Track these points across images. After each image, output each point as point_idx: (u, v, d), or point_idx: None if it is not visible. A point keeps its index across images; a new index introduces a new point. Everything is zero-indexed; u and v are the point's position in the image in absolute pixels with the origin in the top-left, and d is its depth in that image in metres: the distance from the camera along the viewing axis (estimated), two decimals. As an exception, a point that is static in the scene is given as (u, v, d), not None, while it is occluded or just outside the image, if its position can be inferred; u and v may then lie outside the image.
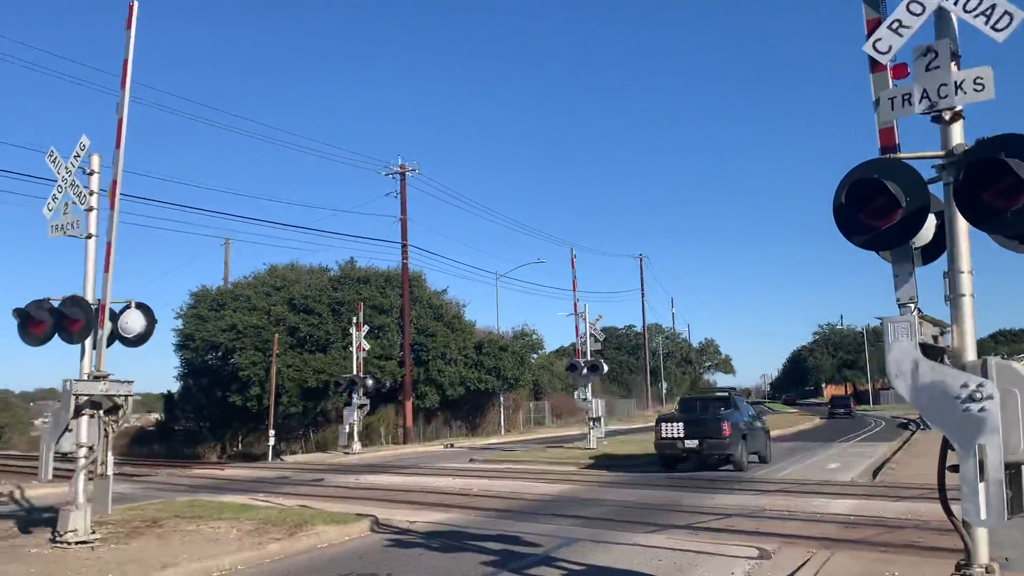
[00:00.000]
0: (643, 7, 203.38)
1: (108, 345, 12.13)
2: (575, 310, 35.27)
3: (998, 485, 5.56)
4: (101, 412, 11.78)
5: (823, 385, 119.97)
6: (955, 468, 5.83)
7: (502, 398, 55.85)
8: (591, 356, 33.46)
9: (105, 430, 11.86)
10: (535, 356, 64.43)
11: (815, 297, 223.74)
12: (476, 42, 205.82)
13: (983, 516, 5.59)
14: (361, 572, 9.94)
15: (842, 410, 67.72)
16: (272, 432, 38.70)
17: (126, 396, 12.09)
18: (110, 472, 11.82)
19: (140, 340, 12.35)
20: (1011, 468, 6.19)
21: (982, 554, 6.05)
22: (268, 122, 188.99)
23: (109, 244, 11.74)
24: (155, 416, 65.05)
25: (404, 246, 44.57)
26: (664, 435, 21.72)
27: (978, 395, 5.63)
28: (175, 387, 56.27)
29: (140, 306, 12.52)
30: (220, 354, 48.67)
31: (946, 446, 6.17)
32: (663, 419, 22.33)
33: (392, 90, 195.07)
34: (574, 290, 35.97)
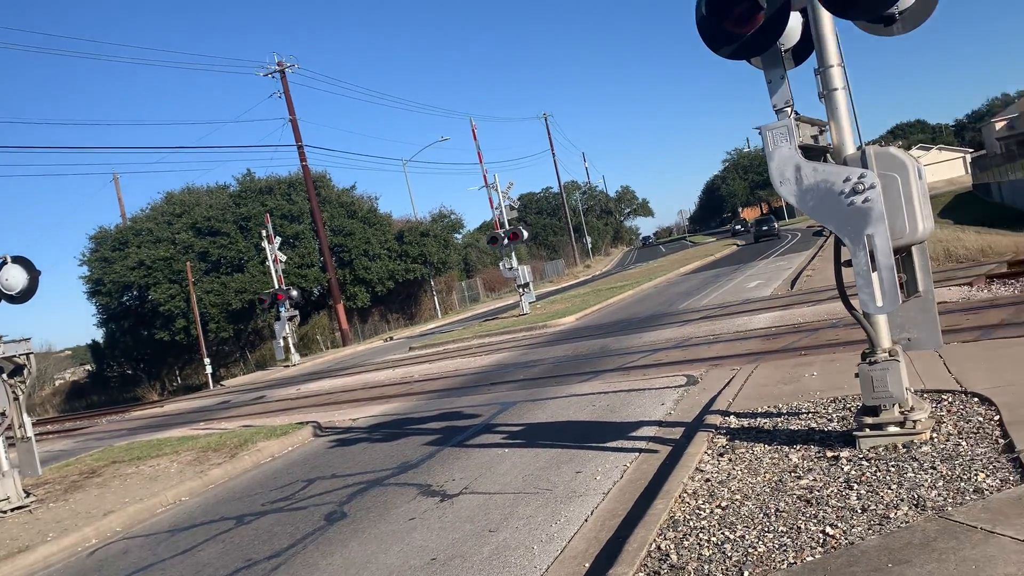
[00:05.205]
0: None
1: (-7, 306, 11.43)
2: (485, 182, 34.87)
3: (890, 271, 5.64)
4: (4, 376, 11.22)
5: (739, 210, 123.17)
6: (849, 263, 5.90)
7: (433, 283, 55.86)
8: (509, 225, 33.37)
9: (13, 392, 11.33)
10: (458, 236, 64.24)
11: (720, 124, 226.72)
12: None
13: (879, 303, 5.71)
14: (305, 478, 9.93)
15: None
16: (207, 360, 38.17)
17: (27, 354, 11.52)
18: (30, 434, 11.42)
19: (26, 295, 11.63)
20: (901, 252, 6.35)
21: (884, 339, 6.25)
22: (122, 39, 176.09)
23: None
24: (87, 367, 63.43)
25: (300, 147, 42.92)
26: (757, 230, 63.18)
27: (860, 186, 5.63)
28: (99, 335, 54.68)
29: (18, 260, 11.74)
30: (135, 293, 47.12)
31: (838, 243, 6.25)
32: (756, 225, 65.84)
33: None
34: (480, 162, 35.51)
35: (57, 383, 61.74)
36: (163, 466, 12.49)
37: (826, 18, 6.03)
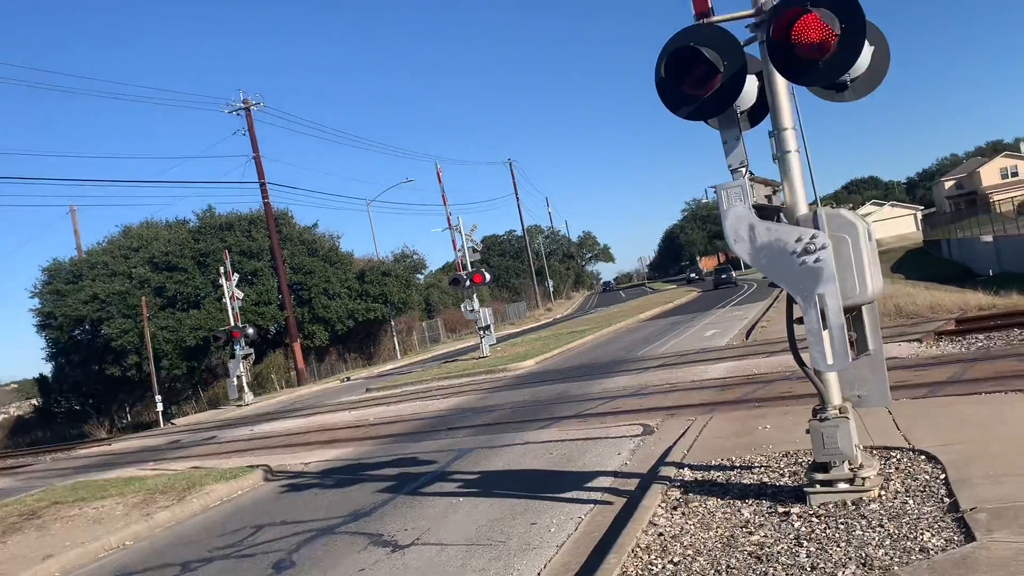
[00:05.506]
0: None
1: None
2: (449, 224, 34.96)
3: (840, 330, 5.77)
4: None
5: (698, 258, 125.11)
6: (801, 320, 6.02)
7: (393, 323, 55.52)
8: (472, 267, 33.42)
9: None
10: (420, 276, 64.18)
11: (680, 175, 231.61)
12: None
13: (829, 361, 5.83)
14: (254, 524, 9.72)
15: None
16: (159, 397, 37.31)
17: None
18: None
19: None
20: (851, 311, 6.49)
21: (834, 397, 6.36)
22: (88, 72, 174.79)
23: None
24: (33, 402, 61.60)
25: (262, 184, 42.75)
26: (716, 278, 67.01)
27: (812, 247, 5.78)
28: (47, 369, 53.22)
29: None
30: (87, 327, 46.05)
31: (791, 301, 6.38)
32: (715, 273, 70.52)
33: (230, 23, 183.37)
34: (444, 204, 35.63)
35: (0, 418, 59.85)
36: (108, 508, 12.13)
37: (781, 83, 6.24)
